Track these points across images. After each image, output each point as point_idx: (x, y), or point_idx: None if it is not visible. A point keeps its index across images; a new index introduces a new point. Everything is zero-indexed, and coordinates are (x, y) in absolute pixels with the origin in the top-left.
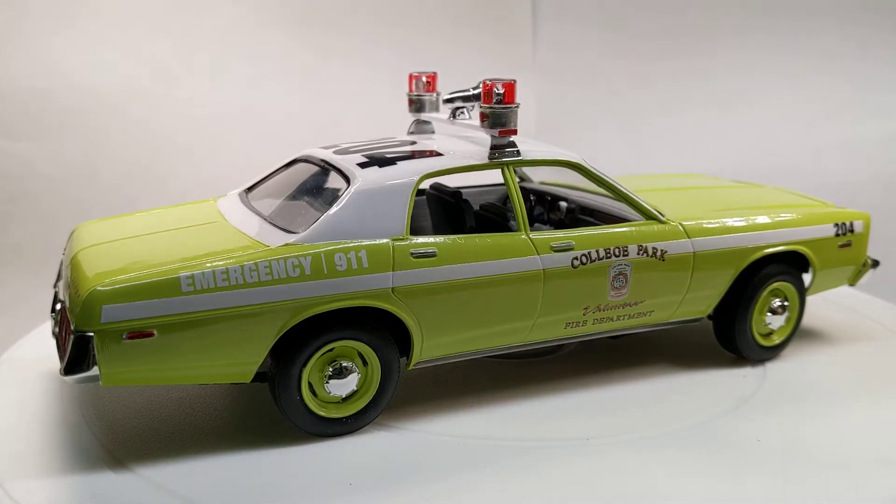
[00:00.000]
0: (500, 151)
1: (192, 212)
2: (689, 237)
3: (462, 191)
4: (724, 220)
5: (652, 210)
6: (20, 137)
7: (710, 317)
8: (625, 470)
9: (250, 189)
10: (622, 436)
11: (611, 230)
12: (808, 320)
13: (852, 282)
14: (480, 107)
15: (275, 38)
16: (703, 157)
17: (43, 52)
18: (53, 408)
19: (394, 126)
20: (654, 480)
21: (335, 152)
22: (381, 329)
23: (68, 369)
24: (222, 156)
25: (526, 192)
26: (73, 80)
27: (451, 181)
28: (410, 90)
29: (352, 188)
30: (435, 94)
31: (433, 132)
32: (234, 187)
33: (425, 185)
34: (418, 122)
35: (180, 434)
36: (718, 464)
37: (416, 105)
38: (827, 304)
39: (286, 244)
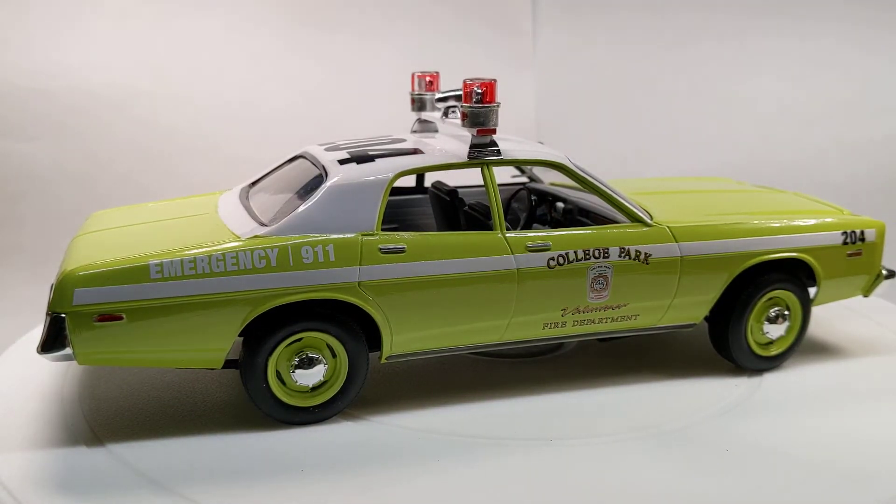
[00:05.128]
0: (480, 151)
1: (193, 204)
2: (676, 241)
3: (466, 189)
4: (717, 223)
5: (637, 211)
6: (20, 137)
7: (707, 321)
8: (574, 472)
9: (254, 184)
10: (588, 438)
11: (590, 231)
12: (819, 328)
13: (866, 293)
14: (461, 106)
15: (276, 37)
16: (703, 157)
17: (43, 52)
18: (51, 401)
19: (395, 125)
20: (602, 483)
21: (326, 149)
22: (350, 322)
23: (44, 348)
24: (223, 156)
25: (529, 192)
26: (73, 80)
27: (451, 181)
28: (413, 89)
29: (326, 184)
30: (437, 93)
31: (437, 131)
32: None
33: (426, 183)
34: (421, 121)
35: (163, 415)
36: (678, 470)
37: (419, 104)
38: (842, 310)
39: (255, 236)
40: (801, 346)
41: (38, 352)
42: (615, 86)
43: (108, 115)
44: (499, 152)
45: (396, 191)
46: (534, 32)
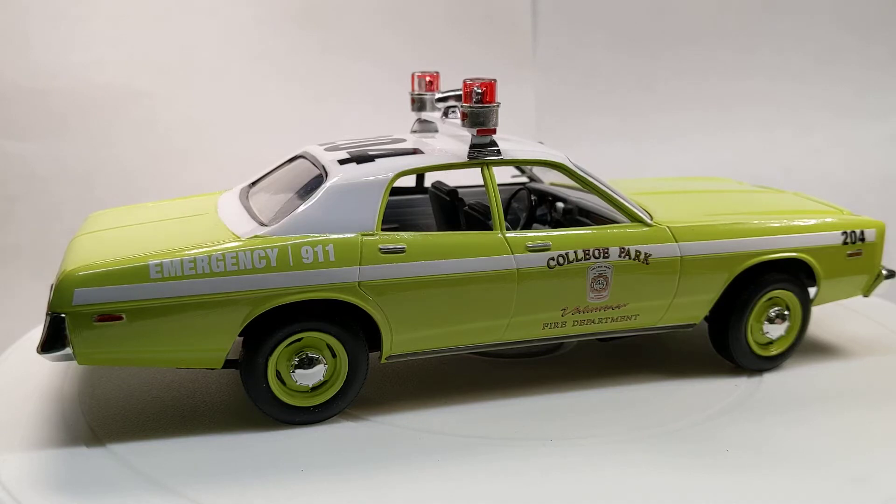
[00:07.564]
0: (480, 151)
1: (193, 204)
2: (676, 241)
3: (466, 189)
4: (717, 223)
5: (637, 211)
6: (20, 137)
7: (707, 321)
8: (574, 471)
9: (254, 184)
10: (588, 438)
11: (590, 231)
12: (820, 329)
13: (866, 293)
14: (461, 106)
15: (275, 38)
16: (703, 157)
17: (43, 52)
18: (51, 401)
19: (395, 125)
20: (601, 483)
21: (326, 149)
22: (350, 322)
23: (44, 348)
24: (223, 156)
25: (529, 192)
26: (73, 80)
27: (451, 181)
28: (413, 89)
29: (326, 184)
30: (436, 93)
31: (437, 131)
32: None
33: (426, 183)
34: (421, 121)
35: (163, 415)
36: (674, 470)
37: (418, 104)
38: (842, 310)
39: (255, 236)
40: (801, 346)
41: (38, 352)
42: (615, 86)
43: (108, 115)
44: (499, 152)
45: (396, 191)
46: (534, 32)
